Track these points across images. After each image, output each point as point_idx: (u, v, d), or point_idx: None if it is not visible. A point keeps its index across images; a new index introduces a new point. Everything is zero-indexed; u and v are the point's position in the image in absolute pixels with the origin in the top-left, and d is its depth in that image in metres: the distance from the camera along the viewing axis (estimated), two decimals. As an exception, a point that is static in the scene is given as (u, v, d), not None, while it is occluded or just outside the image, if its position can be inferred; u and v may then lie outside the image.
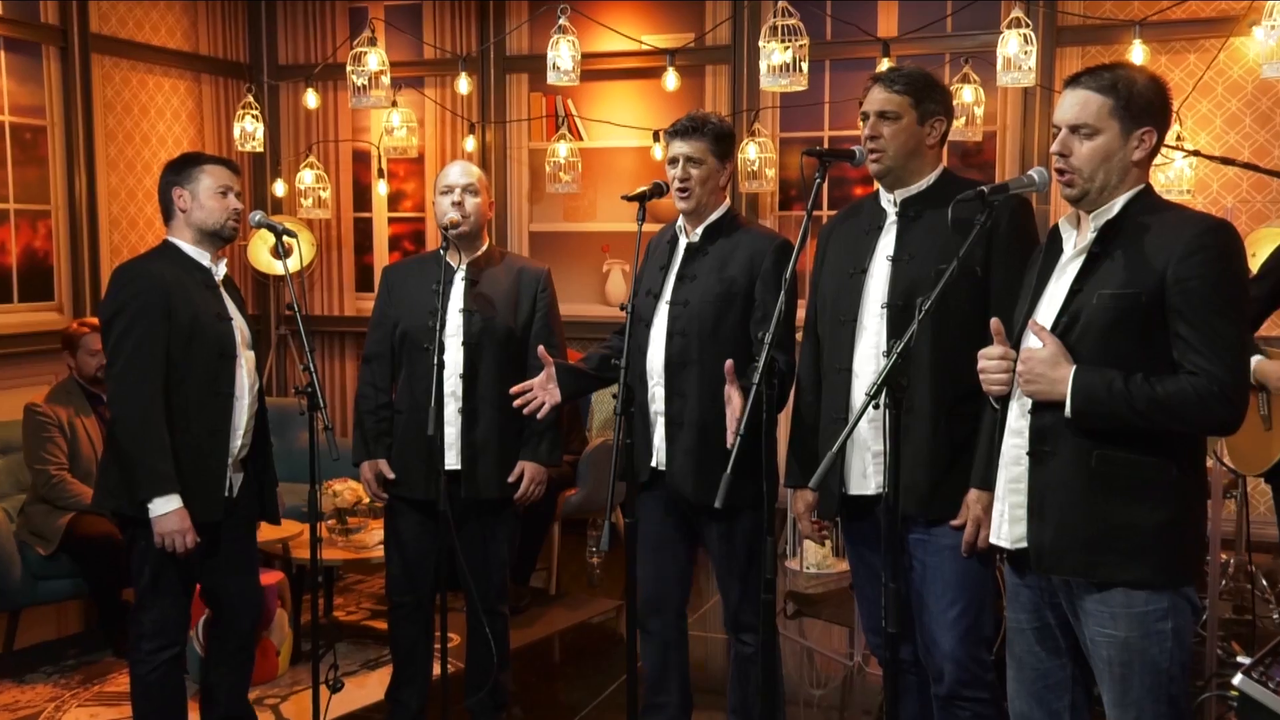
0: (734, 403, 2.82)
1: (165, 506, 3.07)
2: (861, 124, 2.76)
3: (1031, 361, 2.22)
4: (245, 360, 3.23)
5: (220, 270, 3.26)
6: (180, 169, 3.25)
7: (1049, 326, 2.25)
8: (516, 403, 3.19)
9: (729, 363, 2.85)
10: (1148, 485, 2.17)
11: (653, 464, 3.14)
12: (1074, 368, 2.18)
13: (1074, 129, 2.24)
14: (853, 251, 2.79)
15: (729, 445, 2.81)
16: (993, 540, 2.39)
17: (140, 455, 3.07)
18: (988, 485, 2.45)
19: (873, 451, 2.69)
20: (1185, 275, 2.13)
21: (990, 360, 2.31)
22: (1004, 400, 2.34)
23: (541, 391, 3.18)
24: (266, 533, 4.21)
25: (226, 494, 3.22)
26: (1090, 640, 2.24)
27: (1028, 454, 2.27)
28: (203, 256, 3.24)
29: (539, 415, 3.22)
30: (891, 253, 2.72)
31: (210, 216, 3.23)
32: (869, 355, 2.70)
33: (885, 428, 2.43)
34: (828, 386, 2.82)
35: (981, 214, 2.34)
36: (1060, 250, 2.34)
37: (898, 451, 2.37)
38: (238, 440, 3.21)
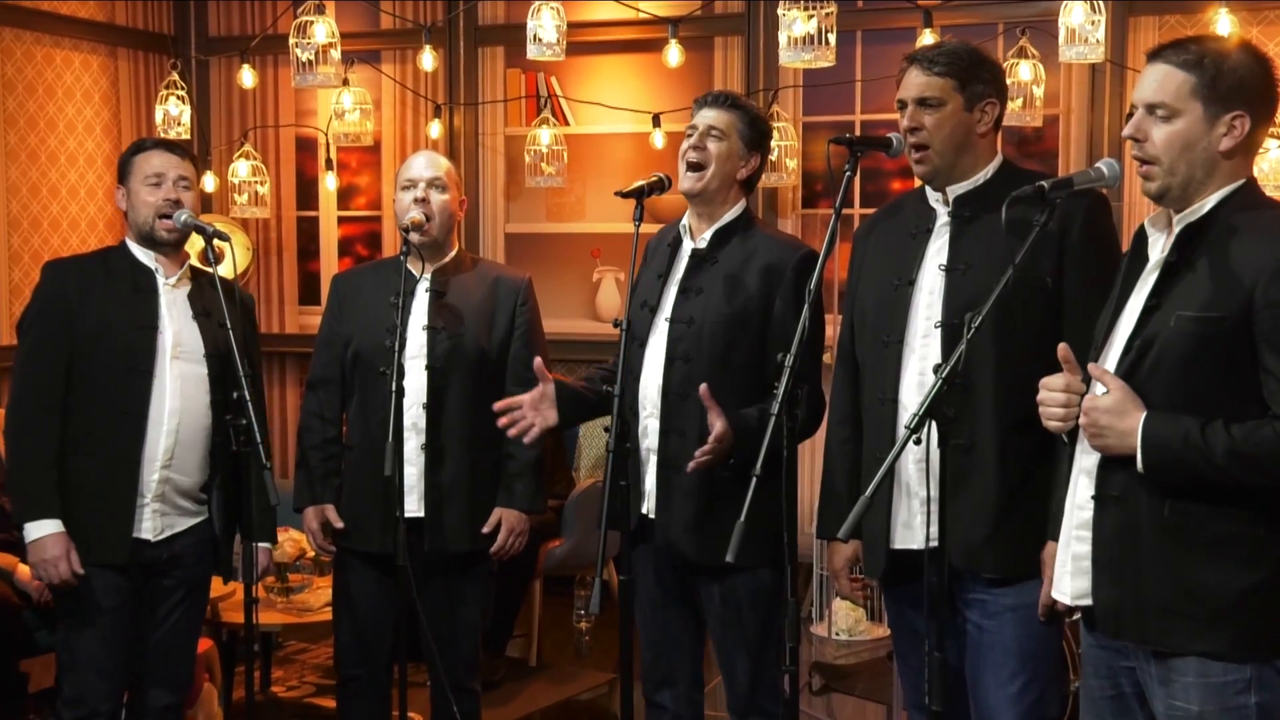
0: (716, 428, 2.85)
1: (37, 531, 3.15)
2: (899, 114, 2.76)
3: (1095, 412, 2.22)
4: (173, 377, 3.23)
5: (174, 276, 3.30)
6: (120, 163, 3.34)
7: (1122, 351, 2.25)
8: (501, 422, 3.12)
9: (703, 387, 2.87)
10: (1230, 542, 2.17)
11: (643, 510, 3.13)
12: (1144, 415, 2.18)
13: (1150, 109, 2.26)
14: (897, 259, 2.79)
15: (688, 468, 2.89)
16: (1053, 594, 2.40)
17: (15, 476, 3.20)
18: None
19: (920, 498, 2.67)
20: (1277, 298, 2.13)
21: (1052, 392, 2.31)
22: (1075, 434, 2.34)
23: (533, 411, 3.12)
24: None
25: (147, 536, 3.23)
26: (1164, 717, 2.24)
27: (1093, 498, 2.28)
28: (149, 259, 3.30)
29: (525, 439, 3.14)
30: (945, 261, 2.72)
31: (139, 216, 3.28)
32: (918, 383, 2.69)
33: (927, 466, 2.43)
34: (868, 420, 2.81)
35: (1042, 214, 2.35)
36: (1145, 258, 2.35)
37: (944, 494, 2.37)
38: (155, 471, 3.22)
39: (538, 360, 3.15)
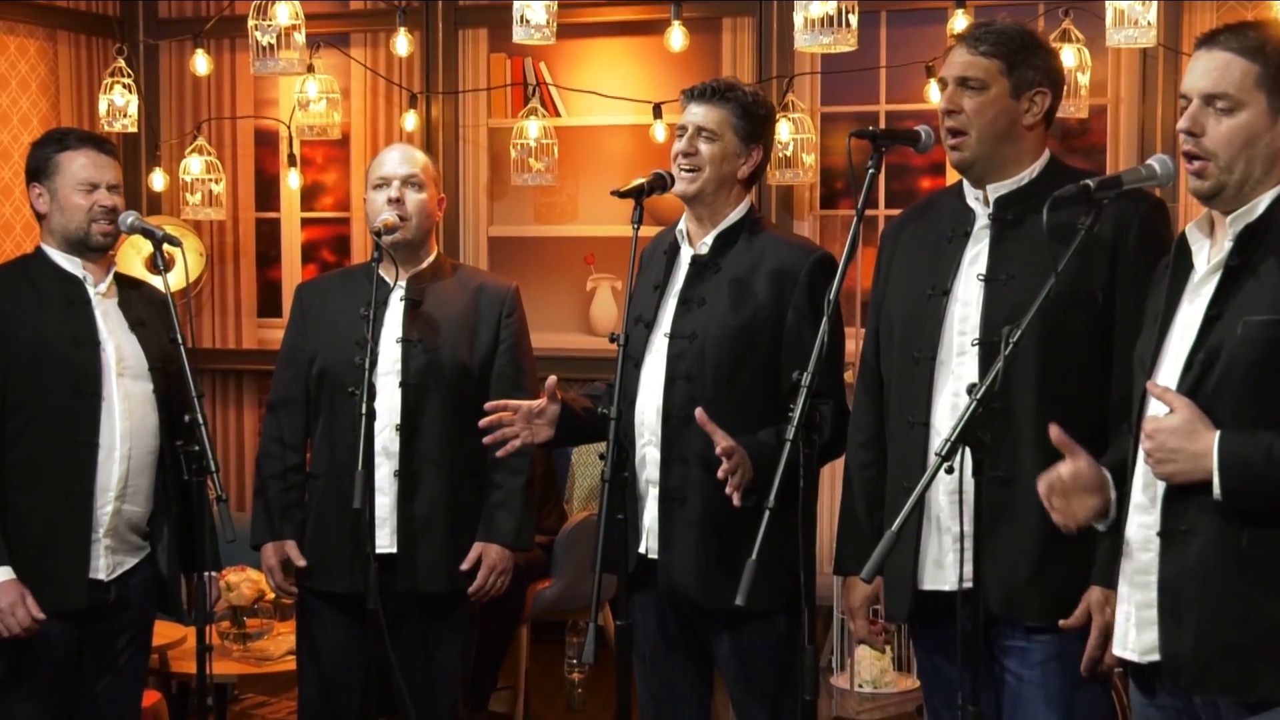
0: (719, 444, 2.83)
1: None
2: (940, 94, 2.77)
3: (1161, 434, 2.22)
4: (121, 397, 3.23)
5: (104, 283, 3.31)
6: (37, 158, 3.34)
7: (1181, 367, 2.25)
8: (484, 423, 3.11)
9: (699, 412, 2.87)
10: None
11: (640, 549, 3.13)
12: (1217, 434, 2.18)
13: (1208, 100, 2.28)
14: (930, 265, 2.79)
15: (736, 503, 2.85)
16: (1116, 650, 2.39)
17: None
18: (1114, 583, 2.44)
19: (953, 534, 2.66)
20: None
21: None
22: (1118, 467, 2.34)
23: (524, 424, 3.11)
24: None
25: (100, 575, 3.22)
26: None
27: (1159, 534, 2.27)
28: (75, 266, 3.30)
29: (498, 452, 3.13)
30: (984, 270, 2.72)
31: (70, 221, 3.28)
32: (952, 405, 2.69)
33: (961, 498, 2.43)
34: (896, 444, 2.81)
35: (1086, 217, 2.35)
36: (1190, 267, 2.36)
37: (980, 531, 2.36)
38: (108, 503, 3.22)
39: (552, 379, 3.13)
